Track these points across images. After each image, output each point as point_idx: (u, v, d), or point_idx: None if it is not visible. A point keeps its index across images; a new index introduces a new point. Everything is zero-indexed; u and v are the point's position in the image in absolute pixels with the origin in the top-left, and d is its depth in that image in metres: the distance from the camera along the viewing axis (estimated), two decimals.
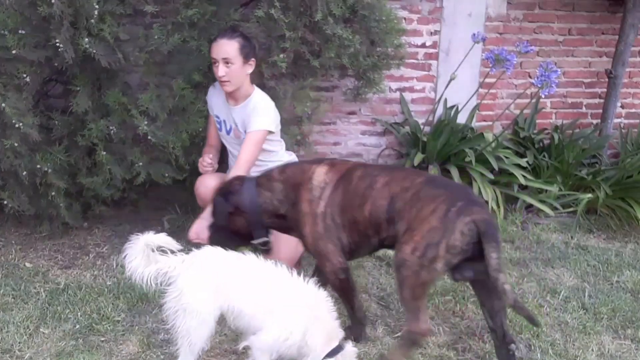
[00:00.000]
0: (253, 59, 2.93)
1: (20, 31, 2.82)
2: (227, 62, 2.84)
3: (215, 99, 3.08)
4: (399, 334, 2.69)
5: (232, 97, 2.97)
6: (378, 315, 2.84)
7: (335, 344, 2.12)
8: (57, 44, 2.79)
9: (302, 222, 2.45)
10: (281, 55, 3.19)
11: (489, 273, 2.10)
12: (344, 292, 2.53)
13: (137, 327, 2.64)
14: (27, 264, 3.14)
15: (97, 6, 2.79)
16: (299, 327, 2.08)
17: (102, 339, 2.57)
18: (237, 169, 2.81)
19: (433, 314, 2.86)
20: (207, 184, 2.94)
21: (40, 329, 2.61)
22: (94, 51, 2.83)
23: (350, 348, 2.15)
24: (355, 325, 2.59)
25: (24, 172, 2.97)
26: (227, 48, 2.84)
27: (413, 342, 2.31)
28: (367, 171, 2.46)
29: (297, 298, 2.12)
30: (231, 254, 2.19)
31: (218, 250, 2.21)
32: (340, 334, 2.17)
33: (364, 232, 2.40)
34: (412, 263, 2.20)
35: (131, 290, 2.87)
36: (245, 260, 2.18)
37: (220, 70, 2.85)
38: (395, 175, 2.41)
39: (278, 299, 2.11)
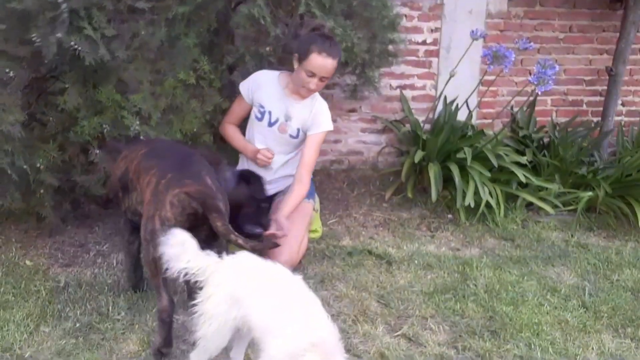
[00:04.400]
0: None
1: (0, 26, 2.68)
2: (323, 78, 2.89)
3: (268, 88, 3.03)
4: (399, 332, 2.69)
5: (299, 94, 2.99)
6: (378, 313, 2.84)
7: None
8: (34, 39, 2.68)
9: None
10: (267, 48, 3.19)
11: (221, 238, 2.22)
12: None
13: (137, 326, 2.64)
14: (28, 262, 3.14)
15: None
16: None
17: (103, 337, 2.56)
18: (305, 171, 2.95)
19: (433, 312, 2.86)
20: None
21: (41, 328, 2.61)
22: (78, 47, 2.71)
23: None
24: None
25: (9, 171, 2.86)
26: (330, 68, 2.87)
27: (160, 319, 2.32)
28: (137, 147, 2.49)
29: (301, 319, 1.97)
30: (256, 263, 2.09)
31: (245, 258, 2.11)
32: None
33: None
34: (143, 238, 2.24)
35: (131, 288, 2.87)
36: (265, 270, 2.07)
37: (315, 85, 2.90)
38: (137, 146, 2.41)
39: (283, 314, 1.98)
